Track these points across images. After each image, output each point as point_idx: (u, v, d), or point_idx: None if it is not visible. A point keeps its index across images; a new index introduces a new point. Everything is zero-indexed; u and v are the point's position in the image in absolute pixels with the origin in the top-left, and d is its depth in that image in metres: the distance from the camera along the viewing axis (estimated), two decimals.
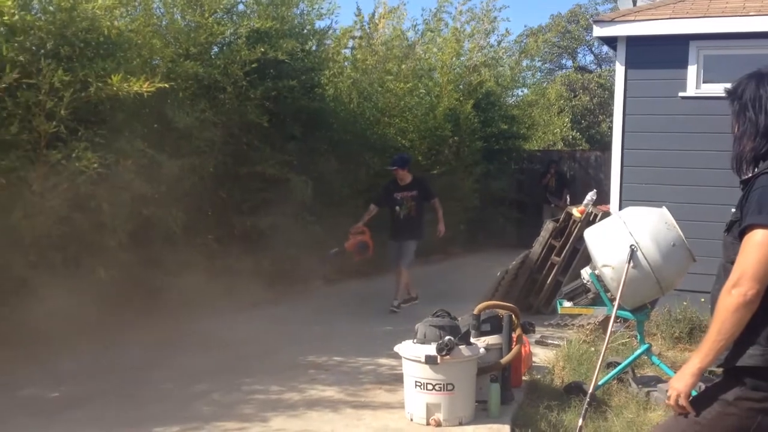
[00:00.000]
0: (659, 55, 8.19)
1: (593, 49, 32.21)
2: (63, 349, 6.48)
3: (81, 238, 6.66)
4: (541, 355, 6.63)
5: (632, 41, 8.33)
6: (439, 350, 4.69)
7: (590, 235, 5.62)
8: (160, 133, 7.65)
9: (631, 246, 5.19)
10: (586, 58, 33.36)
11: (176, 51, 7.69)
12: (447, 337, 4.74)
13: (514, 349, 5.25)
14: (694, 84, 8.03)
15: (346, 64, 11.90)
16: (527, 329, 5.88)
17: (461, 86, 14.40)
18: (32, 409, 5.04)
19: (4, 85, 5.45)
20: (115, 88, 5.98)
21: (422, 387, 4.80)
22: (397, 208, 8.82)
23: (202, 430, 4.66)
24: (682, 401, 2.45)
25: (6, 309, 6.00)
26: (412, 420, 4.86)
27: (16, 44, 5.85)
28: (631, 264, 5.19)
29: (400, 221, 8.83)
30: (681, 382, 2.46)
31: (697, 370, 2.43)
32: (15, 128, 5.63)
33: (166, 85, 6.40)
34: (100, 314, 7.11)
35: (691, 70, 8.02)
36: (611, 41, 8.83)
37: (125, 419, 4.85)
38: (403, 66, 12.38)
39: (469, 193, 14.44)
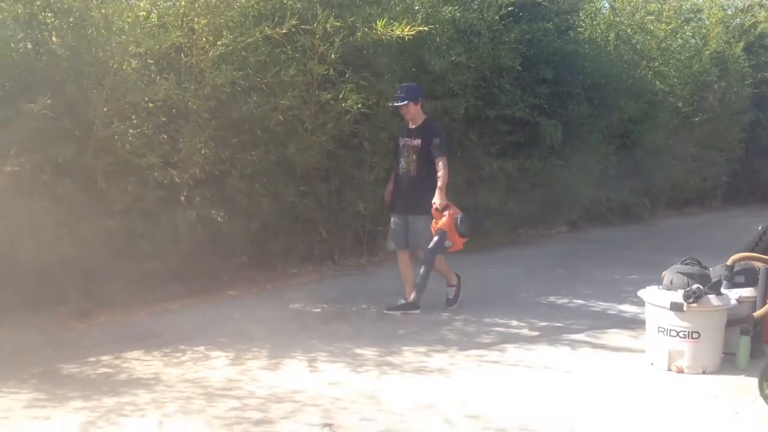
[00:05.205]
0: None
1: None
2: (322, 272, 7.26)
3: (343, 172, 7.32)
4: None
5: None
6: (686, 297, 4.61)
7: None
8: (416, 75, 8.03)
9: None
10: None
11: None
12: (695, 285, 4.64)
13: None
14: None
15: (606, 4, 11.52)
16: None
17: (731, 28, 13.38)
18: (300, 321, 5.73)
19: (284, 31, 6.07)
20: (379, 33, 6.40)
21: (666, 333, 4.74)
22: (400, 161, 6.12)
23: (446, 353, 5.00)
24: None
25: (281, 230, 6.81)
26: (652, 365, 4.84)
27: None
28: None
29: (400, 183, 6.10)
30: None
31: None
32: (293, 71, 6.28)
33: (426, 28, 6.66)
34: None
35: None
36: None
37: (380, 336, 5.33)
38: (665, 6, 11.71)
39: (734, 143, 13.58)
